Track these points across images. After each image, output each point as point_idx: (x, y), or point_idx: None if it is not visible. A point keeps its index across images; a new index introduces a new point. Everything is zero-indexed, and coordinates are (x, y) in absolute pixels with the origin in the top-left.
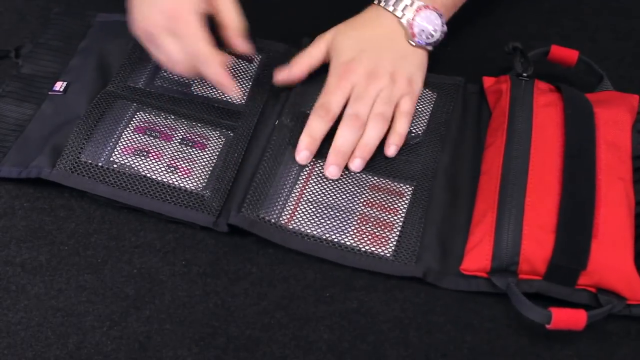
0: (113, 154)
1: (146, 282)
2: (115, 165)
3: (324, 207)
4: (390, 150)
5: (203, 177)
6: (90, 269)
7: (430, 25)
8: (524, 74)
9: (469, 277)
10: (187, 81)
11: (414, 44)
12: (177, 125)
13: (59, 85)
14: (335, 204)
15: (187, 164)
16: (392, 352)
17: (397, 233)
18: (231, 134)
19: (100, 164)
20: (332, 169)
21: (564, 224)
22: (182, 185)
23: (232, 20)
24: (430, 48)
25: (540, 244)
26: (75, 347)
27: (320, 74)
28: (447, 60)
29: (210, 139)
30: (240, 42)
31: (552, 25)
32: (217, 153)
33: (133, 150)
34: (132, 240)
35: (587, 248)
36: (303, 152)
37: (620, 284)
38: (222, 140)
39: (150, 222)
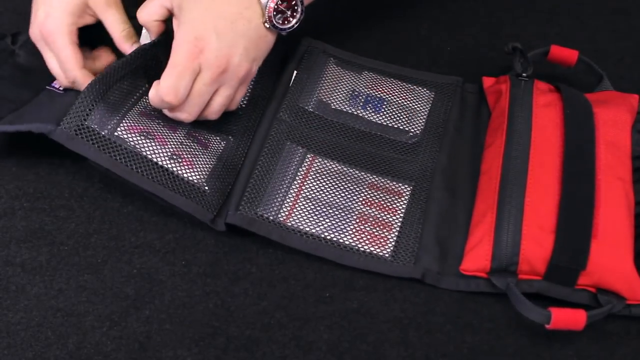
0: (118, 128)
1: (146, 282)
2: (119, 139)
3: (323, 204)
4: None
5: (204, 172)
6: (90, 269)
7: (289, 9)
8: (524, 74)
9: (469, 277)
10: None
11: (268, 26)
12: (180, 124)
13: (59, 84)
14: (333, 202)
15: (190, 157)
16: (392, 352)
17: (396, 233)
18: (231, 139)
19: (103, 133)
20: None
21: (564, 224)
22: (184, 175)
23: (115, 31)
24: (284, 33)
25: (540, 244)
26: (75, 347)
27: (319, 70)
28: (447, 60)
29: (212, 141)
30: (127, 47)
31: (552, 25)
32: (218, 155)
33: (139, 131)
34: (132, 240)
35: (587, 248)
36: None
37: (620, 284)
38: (222, 145)
39: (150, 222)
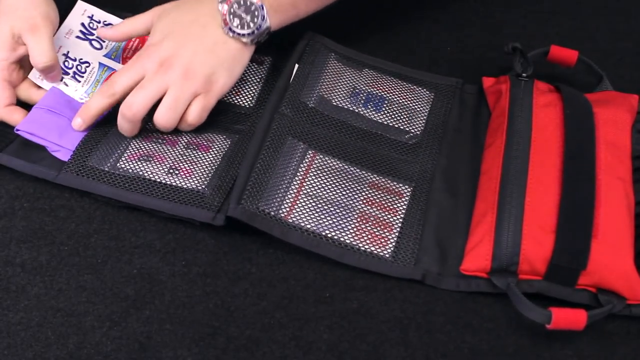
0: (120, 161)
1: (146, 282)
2: (120, 171)
3: (324, 202)
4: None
5: (205, 176)
6: (90, 269)
7: (248, 14)
8: (524, 74)
9: (469, 277)
10: None
11: (226, 33)
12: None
13: None
14: (334, 200)
15: (188, 165)
16: (392, 352)
17: (396, 234)
18: (237, 137)
19: (106, 169)
20: (77, 121)
21: (564, 224)
22: (182, 184)
23: (36, 63)
24: (245, 40)
25: (540, 244)
26: (75, 347)
27: (321, 65)
28: (447, 61)
29: (216, 141)
30: (49, 77)
31: (552, 25)
32: (222, 154)
33: (139, 156)
34: (132, 240)
35: (587, 248)
36: (77, 119)
37: (620, 284)
38: (227, 143)
39: (151, 222)
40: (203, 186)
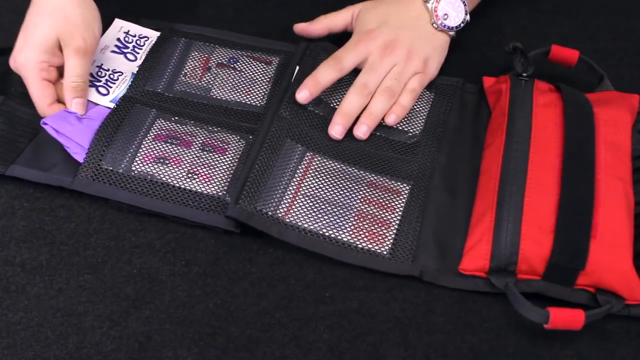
0: (134, 162)
1: (146, 282)
2: (135, 173)
3: (322, 201)
4: (390, 118)
5: (224, 181)
6: (90, 269)
7: (454, 11)
8: (524, 74)
9: (467, 275)
10: (206, 85)
11: (436, 27)
12: (197, 130)
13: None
14: (332, 199)
15: (207, 170)
16: (392, 352)
17: (394, 231)
18: (251, 137)
19: (120, 171)
20: (337, 128)
21: (563, 224)
22: (203, 190)
23: (68, 78)
24: (452, 33)
25: (539, 244)
26: (75, 347)
27: None
28: (447, 61)
29: (230, 143)
30: (68, 97)
31: (552, 25)
32: (238, 157)
33: (153, 158)
34: (132, 240)
35: (586, 248)
36: (304, 92)
37: (619, 284)
38: (242, 144)
39: (151, 222)
40: (223, 192)
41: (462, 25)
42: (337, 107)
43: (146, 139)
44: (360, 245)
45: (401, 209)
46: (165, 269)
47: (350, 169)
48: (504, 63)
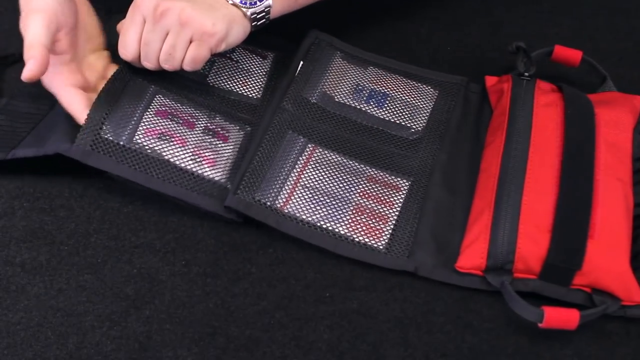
0: (136, 135)
1: (146, 282)
2: (137, 146)
3: (320, 194)
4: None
5: (227, 169)
6: (90, 269)
7: None
8: (526, 74)
9: (463, 272)
10: (202, 71)
11: (230, 2)
12: (198, 114)
13: None
14: (331, 192)
15: (211, 154)
16: (392, 352)
17: (392, 226)
18: (249, 129)
19: (121, 143)
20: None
21: (560, 224)
22: (208, 175)
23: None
24: (248, 12)
25: (536, 243)
26: (75, 347)
27: (325, 62)
28: (448, 61)
29: (231, 131)
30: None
31: (552, 25)
32: (239, 147)
33: (157, 134)
34: (132, 240)
35: (583, 248)
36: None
37: (615, 285)
38: (241, 135)
39: (150, 222)
40: (226, 181)
41: (263, 11)
42: (341, 101)
43: (147, 113)
44: (357, 239)
45: (400, 204)
46: (165, 269)
47: (350, 163)
48: (504, 63)
